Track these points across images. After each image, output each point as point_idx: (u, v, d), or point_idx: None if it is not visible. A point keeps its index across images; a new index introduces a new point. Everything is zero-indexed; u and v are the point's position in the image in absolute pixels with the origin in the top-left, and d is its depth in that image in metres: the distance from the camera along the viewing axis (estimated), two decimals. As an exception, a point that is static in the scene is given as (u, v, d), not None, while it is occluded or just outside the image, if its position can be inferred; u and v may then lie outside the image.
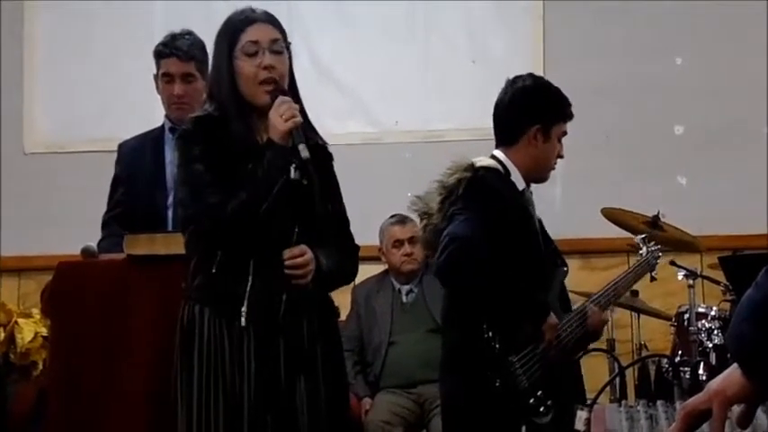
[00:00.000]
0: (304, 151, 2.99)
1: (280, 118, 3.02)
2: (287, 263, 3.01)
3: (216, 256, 3.03)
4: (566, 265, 3.74)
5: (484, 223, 3.41)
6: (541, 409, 3.39)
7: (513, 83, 3.71)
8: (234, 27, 3.14)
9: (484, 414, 3.41)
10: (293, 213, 3.05)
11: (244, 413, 2.99)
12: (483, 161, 3.61)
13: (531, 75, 3.75)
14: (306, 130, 3.12)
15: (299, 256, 3.02)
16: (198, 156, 3.06)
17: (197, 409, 3.02)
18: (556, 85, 3.77)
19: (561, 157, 3.73)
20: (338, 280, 3.23)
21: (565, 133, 3.72)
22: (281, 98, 3.06)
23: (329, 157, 3.26)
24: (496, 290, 3.41)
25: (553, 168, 3.74)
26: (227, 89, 3.11)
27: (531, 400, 3.40)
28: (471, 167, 3.55)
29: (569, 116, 3.72)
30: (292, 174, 3.01)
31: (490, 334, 3.39)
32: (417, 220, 3.74)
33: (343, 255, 3.17)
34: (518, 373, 3.39)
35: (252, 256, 3.02)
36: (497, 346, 3.39)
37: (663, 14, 6.13)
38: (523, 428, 3.36)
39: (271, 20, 3.17)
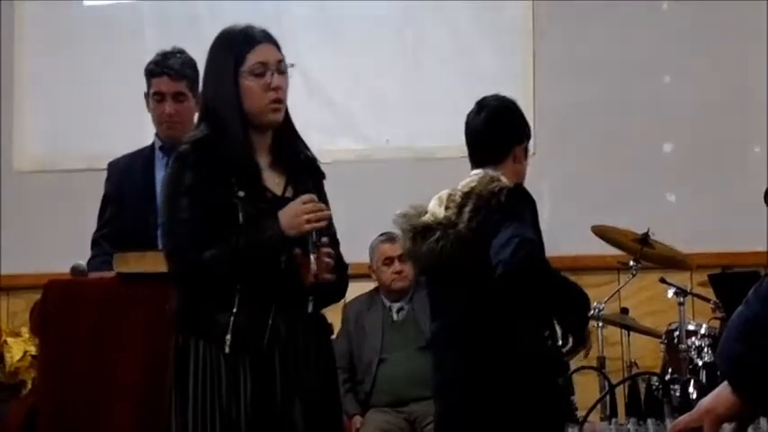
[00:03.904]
0: (314, 266, 3.00)
1: (302, 216, 3.01)
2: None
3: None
4: None
5: (535, 231, 3.48)
6: (576, 414, 3.44)
7: (484, 104, 3.76)
8: (240, 46, 3.13)
9: (543, 412, 3.43)
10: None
11: None
12: (499, 175, 3.64)
13: (497, 96, 3.81)
14: (297, 144, 3.18)
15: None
16: (187, 187, 3.05)
17: (192, 430, 3.00)
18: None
19: None
20: (329, 297, 3.23)
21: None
22: (309, 196, 3.06)
23: (321, 175, 3.27)
24: (569, 291, 3.48)
25: None
26: (232, 107, 3.10)
27: (574, 402, 3.46)
28: (500, 179, 3.58)
29: None
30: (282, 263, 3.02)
31: (547, 333, 3.43)
32: (408, 236, 3.70)
33: (335, 273, 3.16)
34: (568, 374, 3.45)
35: (237, 286, 3.02)
36: (558, 345, 3.43)
37: (652, 32, 6.15)
38: (569, 430, 3.39)
39: (273, 40, 3.19)
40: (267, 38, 3.17)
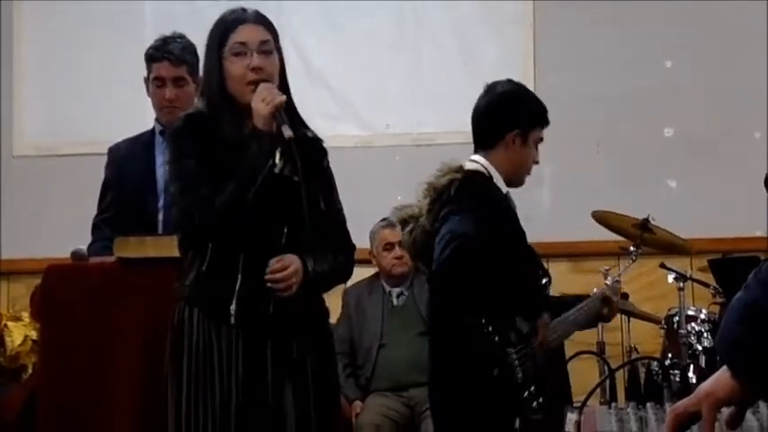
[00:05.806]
0: (287, 131, 3.00)
1: (261, 102, 3.03)
2: (267, 277, 3.01)
3: (207, 254, 3.04)
4: (548, 276, 3.77)
5: (479, 222, 3.43)
6: (534, 405, 3.42)
7: (491, 88, 3.74)
8: (224, 27, 3.16)
9: (481, 403, 3.43)
10: (282, 213, 3.05)
11: (231, 415, 2.99)
12: (470, 164, 3.63)
13: (509, 80, 3.78)
14: (297, 125, 3.15)
15: (281, 270, 3.02)
16: (189, 151, 3.07)
17: (185, 410, 3.02)
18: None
19: (536, 162, 3.74)
20: (332, 281, 3.23)
21: (541, 139, 3.75)
22: (262, 85, 3.07)
23: (323, 153, 3.26)
24: (497, 286, 3.43)
25: (528, 173, 3.75)
26: (217, 89, 3.13)
27: (525, 395, 3.43)
28: (461, 169, 3.58)
29: (546, 122, 3.75)
30: (278, 158, 3.01)
31: (490, 329, 3.42)
32: (399, 228, 3.75)
33: (339, 254, 3.18)
34: (515, 365, 3.43)
35: (240, 255, 3.02)
36: (496, 339, 3.42)
37: (653, 18, 6.14)
38: (517, 421, 3.38)
39: (261, 20, 3.18)
40: (255, 18, 3.17)
